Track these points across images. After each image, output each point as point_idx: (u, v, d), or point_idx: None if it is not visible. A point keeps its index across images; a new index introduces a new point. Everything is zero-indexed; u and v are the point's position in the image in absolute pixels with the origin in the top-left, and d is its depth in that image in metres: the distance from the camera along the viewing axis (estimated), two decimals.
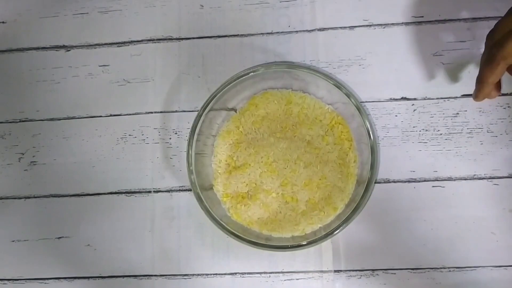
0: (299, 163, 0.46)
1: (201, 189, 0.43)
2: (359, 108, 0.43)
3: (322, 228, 0.45)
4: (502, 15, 0.36)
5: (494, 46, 0.37)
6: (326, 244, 0.47)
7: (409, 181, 0.47)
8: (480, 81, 0.40)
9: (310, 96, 0.47)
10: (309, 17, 0.49)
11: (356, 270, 0.47)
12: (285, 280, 0.47)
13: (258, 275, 0.47)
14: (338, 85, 0.43)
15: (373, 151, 0.42)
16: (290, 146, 0.46)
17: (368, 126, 0.42)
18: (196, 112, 0.44)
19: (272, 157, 0.46)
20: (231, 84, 0.44)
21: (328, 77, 0.43)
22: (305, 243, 0.42)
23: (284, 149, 0.46)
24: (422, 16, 0.48)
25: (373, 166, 0.42)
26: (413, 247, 0.46)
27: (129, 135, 0.50)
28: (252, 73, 0.44)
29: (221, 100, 0.45)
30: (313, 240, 0.42)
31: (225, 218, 0.45)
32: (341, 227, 0.41)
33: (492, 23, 0.37)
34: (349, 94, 0.43)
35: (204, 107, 0.44)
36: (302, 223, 0.45)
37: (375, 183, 0.42)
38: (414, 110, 0.48)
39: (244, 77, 0.44)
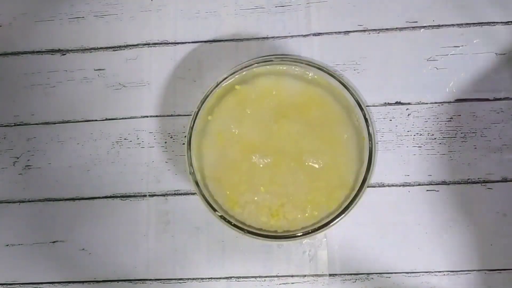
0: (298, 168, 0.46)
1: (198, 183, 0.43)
2: (362, 107, 0.42)
3: (316, 223, 0.44)
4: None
5: None
6: (321, 247, 0.47)
7: (403, 185, 0.47)
8: None
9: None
10: (304, 22, 0.49)
11: (351, 274, 0.47)
12: (280, 284, 0.47)
13: (253, 279, 0.47)
14: (346, 86, 0.43)
15: (371, 153, 0.42)
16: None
17: (371, 130, 0.42)
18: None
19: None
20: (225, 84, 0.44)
21: (334, 76, 0.43)
22: (300, 234, 0.42)
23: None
24: (416, 22, 0.49)
25: (371, 162, 0.42)
26: (407, 250, 0.46)
27: (125, 139, 0.50)
28: (245, 72, 0.44)
29: None
30: (306, 232, 0.42)
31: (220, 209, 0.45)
32: (339, 218, 0.41)
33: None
34: (357, 97, 0.43)
35: (200, 109, 0.44)
36: (298, 217, 0.44)
37: (369, 187, 0.42)
38: (408, 115, 0.48)
39: (237, 75, 0.44)
